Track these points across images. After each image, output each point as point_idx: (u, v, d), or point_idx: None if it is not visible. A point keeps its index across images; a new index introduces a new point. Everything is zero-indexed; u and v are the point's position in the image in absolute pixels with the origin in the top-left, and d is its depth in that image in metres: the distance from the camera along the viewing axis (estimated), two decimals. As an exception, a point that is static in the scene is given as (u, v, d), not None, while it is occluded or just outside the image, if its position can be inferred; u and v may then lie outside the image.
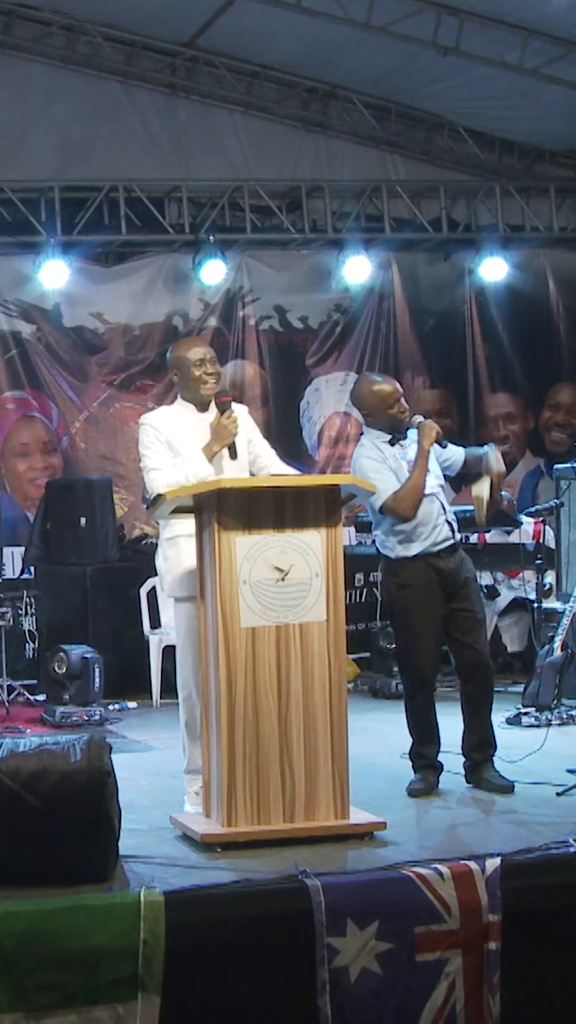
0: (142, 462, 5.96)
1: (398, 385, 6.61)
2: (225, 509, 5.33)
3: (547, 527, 10.08)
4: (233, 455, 5.90)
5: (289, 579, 5.35)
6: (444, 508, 6.44)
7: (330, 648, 5.38)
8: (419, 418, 6.53)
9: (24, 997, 4.32)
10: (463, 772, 6.51)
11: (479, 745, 6.49)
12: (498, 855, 4.86)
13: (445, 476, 6.65)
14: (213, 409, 6.02)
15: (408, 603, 6.45)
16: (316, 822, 5.35)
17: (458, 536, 6.53)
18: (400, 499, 6.25)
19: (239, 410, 6.06)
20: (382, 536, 6.50)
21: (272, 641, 5.33)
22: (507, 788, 6.29)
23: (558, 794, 6.13)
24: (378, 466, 6.35)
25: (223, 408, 5.92)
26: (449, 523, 6.44)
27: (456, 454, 6.67)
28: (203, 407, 6.03)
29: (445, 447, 6.53)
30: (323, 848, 5.23)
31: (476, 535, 10.82)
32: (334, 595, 5.39)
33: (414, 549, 6.43)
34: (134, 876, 4.90)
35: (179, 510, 5.64)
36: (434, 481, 6.43)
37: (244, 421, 6.05)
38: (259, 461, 6.09)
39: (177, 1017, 4.41)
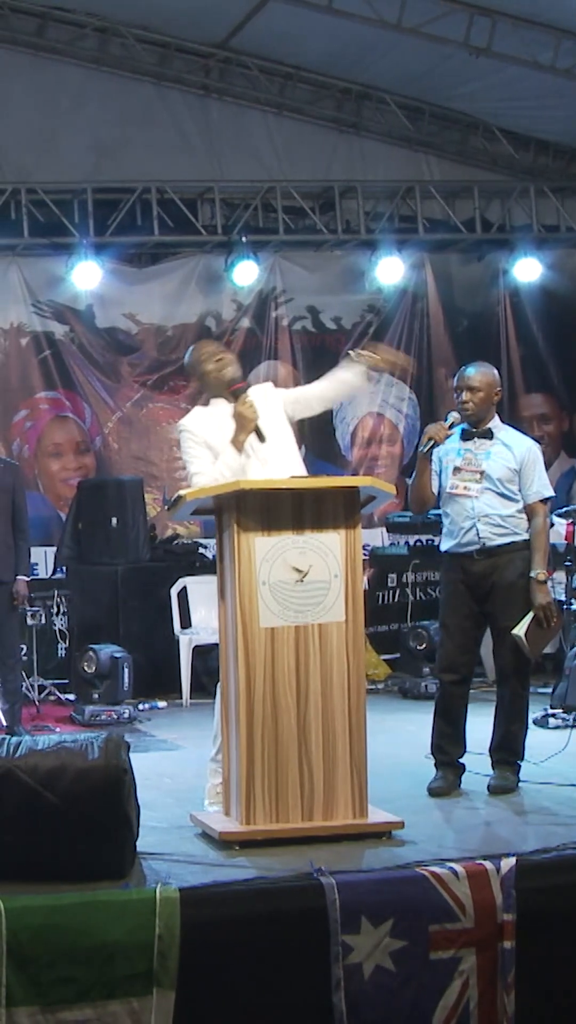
0: (187, 469, 5.94)
1: (473, 382, 6.44)
2: (244, 510, 5.37)
3: (579, 528, 10.04)
4: (261, 438, 5.81)
5: (308, 580, 5.38)
6: (475, 512, 6.37)
7: (348, 648, 5.40)
8: (451, 415, 6.52)
9: (40, 991, 4.36)
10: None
11: (495, 747, 6.53)
12: (514, 855, 4.88)
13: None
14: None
15: (441, 595, 6.66)
16: (334, 821, 5.37)
17: (496, 542, 6.37)
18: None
19: (257, 391, 6.00)
20: None
21: (291, 641, 5.36)
22: (498, 789, 6.32)
23: (579, 795, 6.15)
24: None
25: (237, 395, 5.84)
26: (479, 529, 6.38)
27: (528, 490, 6.42)
28: (233, 396, 5.98)
29: (428, 454, 6.43)
30: (341, 847, 5.26)
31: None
32: (353, 596, 5.41)
33: (445, 545, 6.56)
34: (151, 873, 4.95)
35: (200, 511, 5.68)
36: (475, 484, 6.38)
37: (270, 397, 6.00)
38: (300, 401, 6.12)
39: (191, 1012, 4.44)
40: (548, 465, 12.63)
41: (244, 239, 11.41)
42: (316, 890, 4.60)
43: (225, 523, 5.55)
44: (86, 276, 11.10)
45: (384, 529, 11.61)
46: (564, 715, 8.22)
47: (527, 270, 12.27)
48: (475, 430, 6.49)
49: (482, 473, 6.40)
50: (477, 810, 6.08)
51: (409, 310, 12.47)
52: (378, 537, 11.72)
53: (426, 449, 6.45)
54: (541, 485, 6.45)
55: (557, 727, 7.99)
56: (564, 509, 10.36)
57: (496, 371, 6.66)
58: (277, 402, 6.01)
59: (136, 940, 4.41)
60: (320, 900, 4.57)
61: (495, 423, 6.55)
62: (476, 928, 4.72)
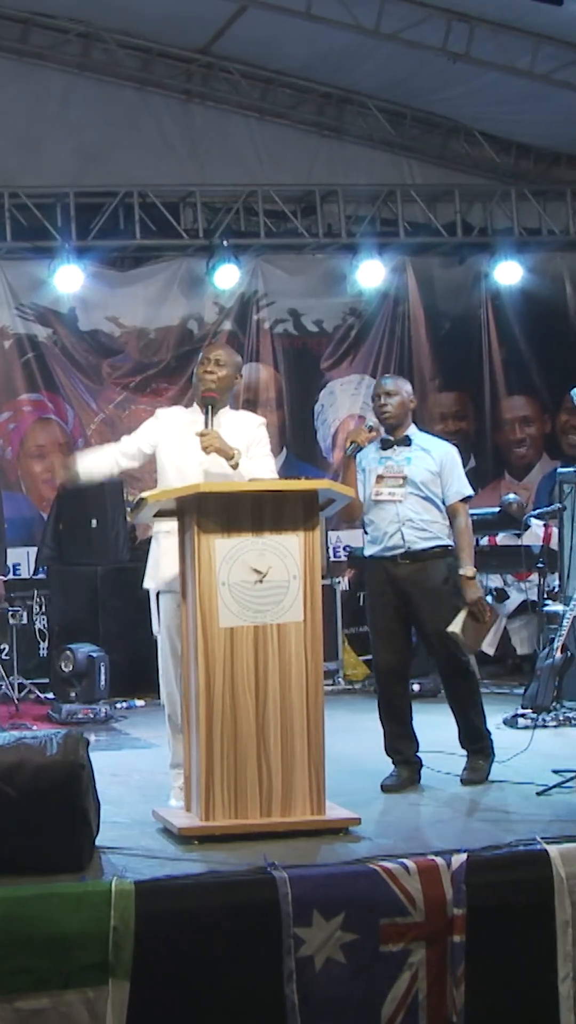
0: None
1: (388, 388, 6.70)
2: (205, 512, 5.48)
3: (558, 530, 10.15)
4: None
5: (267, 581, 5.49)
6: (400, 517, 6.56)
7: (307, 648, 5.51)
8: (370, 420, 6.73)
9: (-2, 981, 4.48)
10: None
11: (463, 740, 6.75)
12: (465, 851, 4.98)
13: None
14: (220, 418, 6.14)
15: (367, 601, 6.88)
16: (292, 817, 5.48)
17: (420, 546, 6.57)
18: None
19: (242, 419, 6.22)
20: None
21: (250, 641, 5.47)
22: (470, 780, 6.53)
23: (538, 793, 6.23)
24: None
25: (206, 402, 6.04)
26: (403, 533, 6.55)
27: (448, 491, 6.66)
28: (204, 404, 6.14)
29: (352, 456, 6.59)
30: (297, 842, 5.36)
31: (487, 537, 10.94)
32: (311, 596, 5.52)
33: (370, 550, 6.73)
34: (110, 866, 5.05)
35: (162, 513, 5.79)
36: (399, 489, 6.57)
37: (247, 430, 6.15)
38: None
39: (146, 1002, 4.55)
40: (530, 467, 13.07)
41: (226, 242, 11.49)
42: (268, 884, 4.71)
43: (186, 525, 5.66)
44: (68, 279, 11.19)
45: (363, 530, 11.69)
46: (533, 715, 8.32)
47: (508, 273, 12.35)
48: (393, 438, 6.69)
49: (404, 478, 6.60)
50: (434, 807, 6.18)
51: (391, 313, 12.55)
52: (357, 538, 11.81)
53: (350, 451, 6.62)
54: (461, 485, 6.68)
55: (526, 727, 8.08)
56: (539, 511, 10.50)
57: (409, 382, 6.94)
58: (247, 436, 6.11)
59: (92, 931, 4.52)
60: (272, 894, 4.68)
61: (412, 430, 6.76)
62: (426, 922, 4.84)
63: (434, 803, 6.26)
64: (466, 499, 6.69)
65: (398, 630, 6.66)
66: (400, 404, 6.68)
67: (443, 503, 6.63)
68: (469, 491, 6.73)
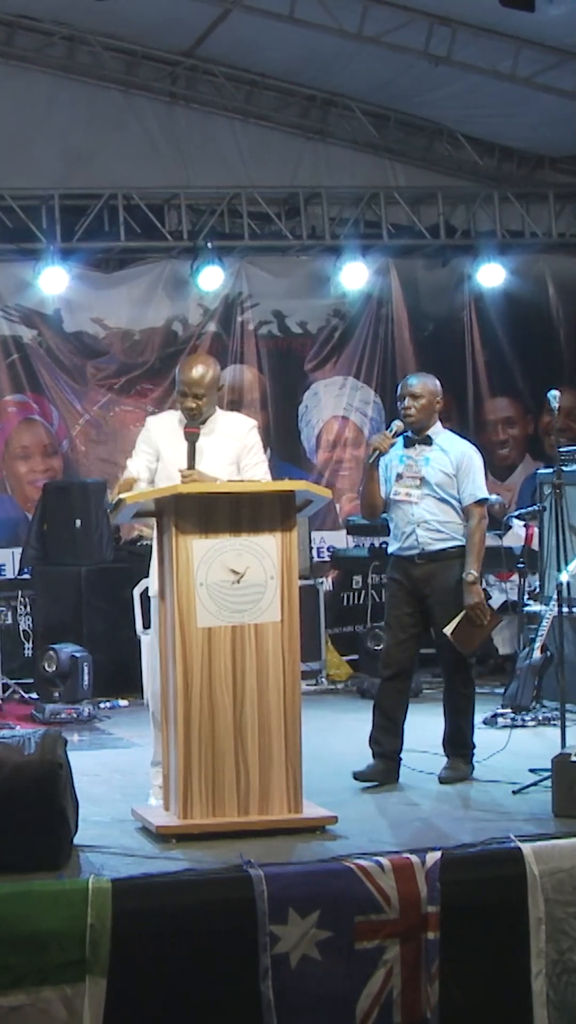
0: None
1: (415, 390, 6.77)
2: (182, 513, 5.54)
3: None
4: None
5: (245, 581, 5.55)
6: (415, 518, 6.65)
7: (284, 648, 5.58)
8: (395, 424, 6.77)
9: (-24, 978, 4.53)
10: None
11: (447, 743, 6.86)
12: (439, 849, 5.04)
13: None
14: (210, 424, 6.18)
15: (386, 596, 6.99)
16: (269, 815, 5.54)
17: (435, 547, 6.67)
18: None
19: (243, 424, 6.30)
20: None
21: (228, 641, 5.53)
22: (448, 779, 6.65)
23: (514, 792, 6.29)
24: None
25: (188, 439, 6.04)
26: (418, 534, 6.64)
27: (463, 492, 6.71)
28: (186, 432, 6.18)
29: (374, 465, 6.71)
30: (274, 840, 5.43)
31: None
32: (289, 597, 5.59)
33: (391, 547, 6.88)
34: (88, 865, 5.11)
35: (141, 514, 5.84)
36: (416, 490, 6.65)
37: (238, 433, 6.21)
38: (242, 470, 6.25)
39: (123, 999, 4.61)
40: (513, 468, 13.12)
41: (210, 244, 11.50)
42: (244, 882, 4.77)
43: (165, 526, 5.71)
44: (53, 281, 11.20)
45: (344, 531, 11.77)
46: (513, 714, 8.38)
47: (491, 275, 12.36)
48: (416, 437, 6.72)
49: (421, 479, 6.66)
50: (412, 806, 6.25)
51: (374, 315, 12.57)
52: (341, 539, 11.89)
53: (372, 460, 6.69)
54: (475, 487, 6.71)
55: (505, 726, 8.14)
56: (520, 512, 10.54)
57: (438, 382, 6.93)
58: (239, 443, 6.17)
59: (69, 929, 4.58)
60: (248, 891, 4.74)
61: (435, 430, 6.81)
62: (401, 919, 4.90)
63: (411, 801, 6.33)
64: (480, 502, 6.72)
65: (408, 626, 6.74)
66: (424, 407, 6.75)
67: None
68: (483, 494, 6.77)
